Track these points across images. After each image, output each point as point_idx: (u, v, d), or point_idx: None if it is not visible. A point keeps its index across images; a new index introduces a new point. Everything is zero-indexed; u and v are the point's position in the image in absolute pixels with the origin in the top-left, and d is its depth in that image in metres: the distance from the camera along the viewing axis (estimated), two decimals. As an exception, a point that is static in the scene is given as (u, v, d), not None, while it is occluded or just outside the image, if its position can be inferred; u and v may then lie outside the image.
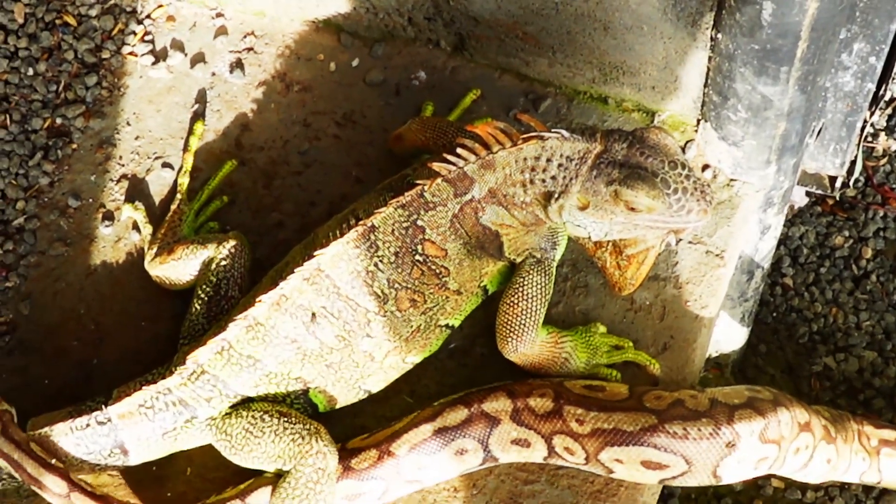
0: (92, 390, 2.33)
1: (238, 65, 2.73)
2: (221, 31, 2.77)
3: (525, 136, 2.17)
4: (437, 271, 2.20)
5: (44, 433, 2.23)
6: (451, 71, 2.66)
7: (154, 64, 2.75)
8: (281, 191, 2.59)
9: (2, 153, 2.68)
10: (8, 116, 2.72)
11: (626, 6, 2.33)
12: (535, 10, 2.44)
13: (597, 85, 2.57)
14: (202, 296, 2.35)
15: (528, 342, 2.23)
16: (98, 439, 2.22)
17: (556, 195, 2.16)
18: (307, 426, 2.15)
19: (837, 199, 3.21)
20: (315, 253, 2.15)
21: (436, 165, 2.18)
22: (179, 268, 2.40)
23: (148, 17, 2.80)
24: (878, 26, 2.34)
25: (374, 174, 2.55)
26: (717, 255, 2.43)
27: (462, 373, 2.36)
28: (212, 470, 2.30)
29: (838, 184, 2.75)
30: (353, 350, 2.20)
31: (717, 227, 2.44)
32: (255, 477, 2.22)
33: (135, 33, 2.79)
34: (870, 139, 3.25)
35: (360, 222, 2.16)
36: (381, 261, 2.16)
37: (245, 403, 2.21)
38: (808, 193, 3.22)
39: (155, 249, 2.46)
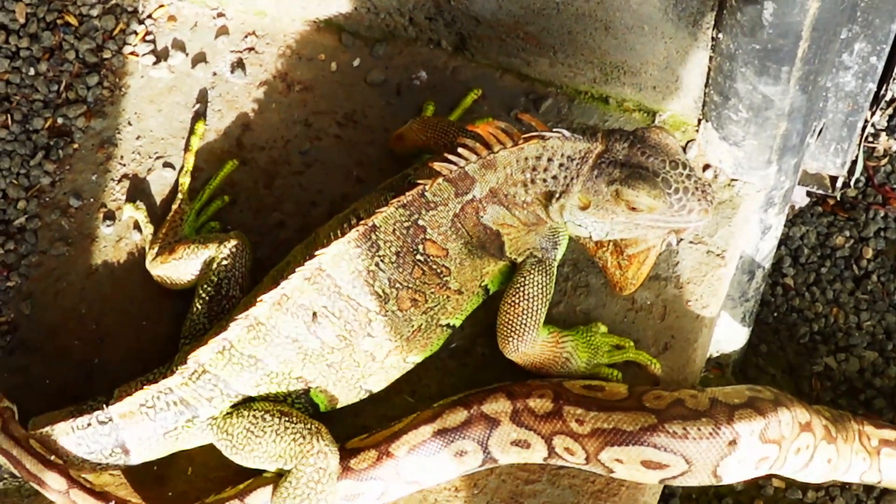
0: (93, 390, 2.33)
1: (239, 64, 2.73)
2: (223, 31, 2.77)
3: (526, 135, 2.16)
4: (439, 271, 2.20)
5: (45, 433, 2.23)
6: (453, 71, 2.66)
7: (155, 64, 2.75)
8: (282, 190, 2.59)
9: (3, 153, 2.68)
10: (9, 116, 2.72)
11: (627, 6, 2.33)
12: (536, 9, 2.44)
13: (598, 85, 2.57)
14: (203, 295, 2.35)
15: (529, 342, 2.22)
16: (99, 439, 2.23)
17: (558, 195, 2.15)
18: (308, 426, 2.15)
19: (838, 199, 3.21)
20: (316, 252, 2.15)
21: (437, 165, 2.18)
22: (181, 267, 2.40)
23: (149, 16, 2.80)
24: (879, 26, 2.34)
25: (375, 174, 2.55)
26: (718, 255, 2.42)
27: (463, 372, 2.36)
28: (213, 469, 2.30)
29: (839, 184, 2.75)
30: (354, 350, 2.20)
31: (718, 227, 2.44)
32: (254, 477, 2.22)
33: (136, 33, 2.79)
34: (871, 139, 3.25)
35: (362, 222, 2.16)
36: (382, 260, 2.16)
37: (246, 403, 2.21)
38: (808, 193, 3.21)
39: (156, 249, 2.46)
